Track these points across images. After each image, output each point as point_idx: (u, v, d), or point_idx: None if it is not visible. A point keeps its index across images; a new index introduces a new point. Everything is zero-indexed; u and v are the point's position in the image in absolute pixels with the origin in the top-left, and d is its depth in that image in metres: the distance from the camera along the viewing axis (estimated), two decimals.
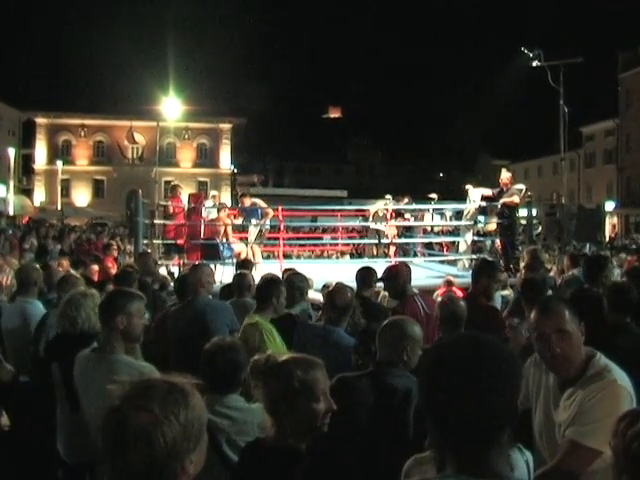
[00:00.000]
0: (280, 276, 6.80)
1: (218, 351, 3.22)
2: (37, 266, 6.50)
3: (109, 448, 1.48)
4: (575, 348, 2.72)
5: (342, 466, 2.55)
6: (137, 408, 1.47)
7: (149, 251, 10.51)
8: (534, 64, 13.87)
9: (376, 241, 15.26)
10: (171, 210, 12.26)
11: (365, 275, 6.20)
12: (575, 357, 2.72)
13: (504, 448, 1.56)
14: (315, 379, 2.59)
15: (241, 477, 2.61)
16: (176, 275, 9.29)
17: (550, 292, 6.01)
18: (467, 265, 11.82)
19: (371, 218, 15.90)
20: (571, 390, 2.72)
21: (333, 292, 4.65)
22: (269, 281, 5.20)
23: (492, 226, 12.81)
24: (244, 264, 7.99)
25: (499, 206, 12.05)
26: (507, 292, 8.25)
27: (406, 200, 16.45)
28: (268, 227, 13.03)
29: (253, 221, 12.49)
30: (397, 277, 5.83)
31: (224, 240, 12.04)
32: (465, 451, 1.52)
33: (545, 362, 2.79)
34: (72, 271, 9.07)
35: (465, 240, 12.93)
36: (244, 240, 13.00)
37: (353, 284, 5.85)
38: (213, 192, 15.94)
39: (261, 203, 12.99)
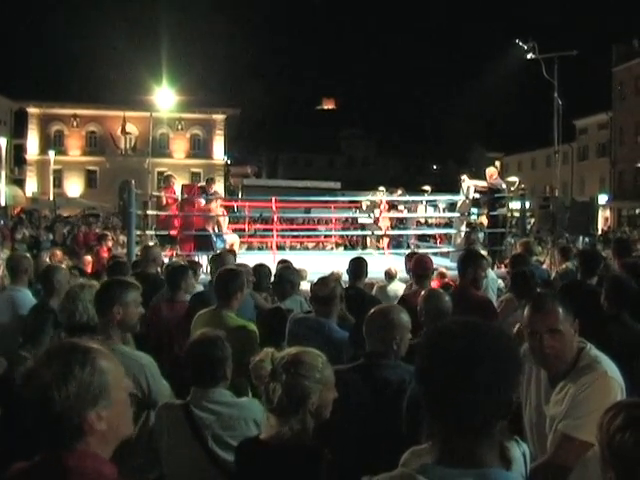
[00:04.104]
0: (274, 267, 6.82)
1: (197, 345, 3.16)
2: (27, 255, 6.46)
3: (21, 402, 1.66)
4: (566, 346, 2.72)
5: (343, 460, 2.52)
6: (42, 366, 1.64)
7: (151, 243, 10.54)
8: (528, 56, 13.87)
9: (369, 233, 15.27)
10: (164, 201, 12.22)
11: (357, 266, 6.19)
12: (566, 355, 2.72)
13: (495, 440, 1.54)
14: (330, 369, 2.60)
15: None
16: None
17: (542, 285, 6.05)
18: None
19: (364, 207, 15.92)
20: (562, 384, 2.72)
21: (315, 285, 4.62)
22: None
23: (484, 218, 12.86)
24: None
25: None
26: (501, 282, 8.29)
27: (399, 192, 16.47)
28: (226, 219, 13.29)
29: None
30: (429, 270, 6.03)
31: (217, 231, 12.03)
32: (453, 441, 1.50)
33: (536, 359, 2.79)
34: (64, 262, 9.06)
35: (458, 232, 12.96)
36: (237, 231, 13.01)
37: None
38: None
39: (219, 194, 13.39)
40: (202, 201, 12.30)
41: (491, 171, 12.63)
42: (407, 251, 13.51)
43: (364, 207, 15.47)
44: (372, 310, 3.47)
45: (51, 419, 1.59)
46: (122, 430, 1.73)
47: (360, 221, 15.44)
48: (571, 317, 2.74)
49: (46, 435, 1.62)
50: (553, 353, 2.69)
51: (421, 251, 14.27)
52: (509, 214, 13.34)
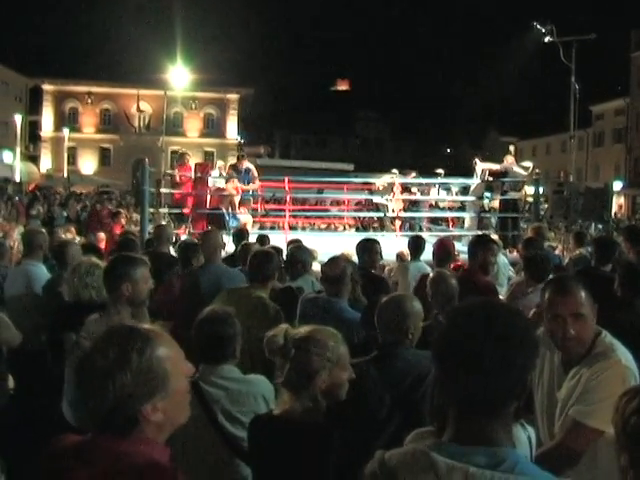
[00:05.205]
0: (285, 247, 6.83)
1: (207, 321, 3.17)
2: (43, 230, 6.50)
3: (75, 387, 1.62)
4: (588, 331, 2.71)
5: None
6: (98, 352, 1.56)
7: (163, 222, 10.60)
8: (546, 40, 13.73)
9: (382, 214, 15.23)
10: (178, 179, 12.25)
11: (365, 247, 6.17)
12: (587, 339, 2.71)
13: (508, 422, 1.54)
14: (345, 349, 2.61)
15: (270, 457, 2.54)
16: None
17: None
18: None
19: (381, 188, 15.87)
20: (575, 370, 2.71)
21: (325, 264, 4.62)
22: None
23: (497, 202, 12.82)
24: (240, 234, 7.98)
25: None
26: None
27: (413, 174, 16.42)
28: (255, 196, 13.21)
29: (235, 181, 12.68)
30: (451, 254, 6.08)
31: (230, 210, 12.06)
32: (466, 421, 1.50)
33: (556, 342, 2.76)
34: (78, 238, 9.12)
35: (471, 216, 12.93)
36: (250, 211, 13.05)
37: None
38: (220, 162, 15.87)
39: (254, 171, 13.29)
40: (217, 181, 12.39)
41: (508, 157, 12.71)
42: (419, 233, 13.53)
43: (380, 188, 15.40)
44: (384, 300, 3.41)
45: (105, 410, 1.53)
46: (178, 419, 1.66)
47: (375, 201, 15.41)
48: (591, 301, 2.72)
49: (100, 424, 1.56)
50: (576, 337, 2.67)
51: (433, 234, 14.31)
52: (522, 199, 13.27)
